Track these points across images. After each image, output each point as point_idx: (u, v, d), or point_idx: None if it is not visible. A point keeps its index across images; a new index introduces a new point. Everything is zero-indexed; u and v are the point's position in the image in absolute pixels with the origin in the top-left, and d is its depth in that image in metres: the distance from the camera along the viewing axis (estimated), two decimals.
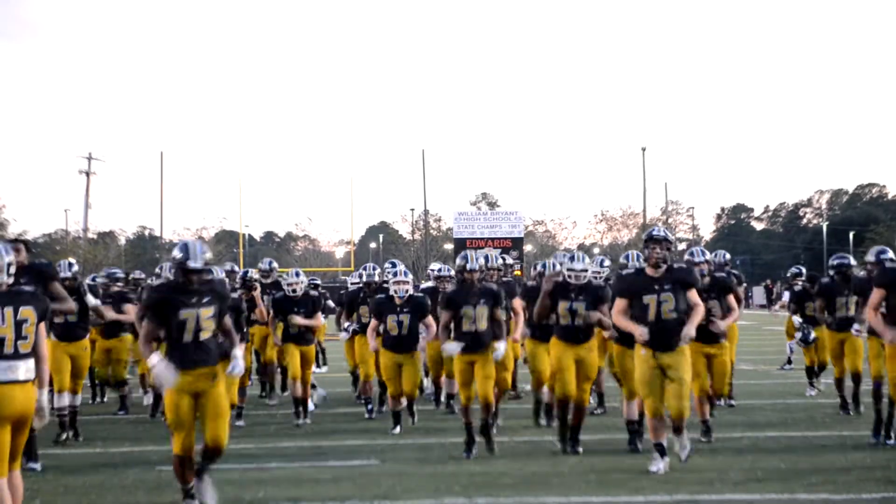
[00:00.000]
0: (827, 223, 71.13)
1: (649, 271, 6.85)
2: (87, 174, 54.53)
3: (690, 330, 6.72)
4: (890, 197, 78.65)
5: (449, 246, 46.52)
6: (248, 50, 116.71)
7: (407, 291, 8.82)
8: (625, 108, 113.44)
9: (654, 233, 6.90)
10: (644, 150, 48.53)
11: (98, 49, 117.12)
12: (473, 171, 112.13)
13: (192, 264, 5.71)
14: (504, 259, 10.88)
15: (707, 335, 7.88)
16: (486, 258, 8.99)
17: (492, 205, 66.56)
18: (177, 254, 5.79)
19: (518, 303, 9.15)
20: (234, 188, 54.04)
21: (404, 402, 9.02)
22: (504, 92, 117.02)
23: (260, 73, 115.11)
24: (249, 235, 60.51)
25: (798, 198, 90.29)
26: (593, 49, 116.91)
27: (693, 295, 6.87)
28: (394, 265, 9.34)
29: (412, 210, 61.61)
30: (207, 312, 5.82)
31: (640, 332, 6.68)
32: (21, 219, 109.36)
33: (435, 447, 8.10)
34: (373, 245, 68.86)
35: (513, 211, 33.75)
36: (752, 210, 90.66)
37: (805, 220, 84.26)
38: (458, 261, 7.95)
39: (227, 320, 6.10)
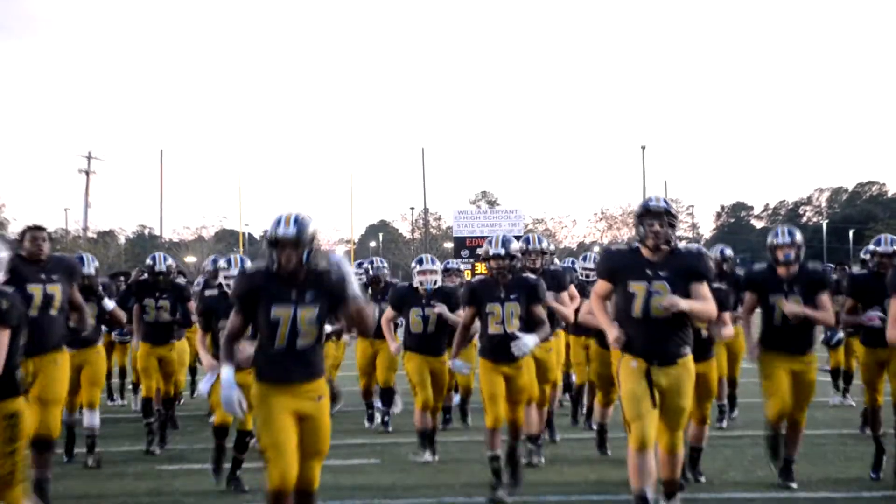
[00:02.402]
0: (827, 221, 71.30)
1: (646, 253, 5.17)
2: (87, 173, 54.65)
3: (682, 302, 4.96)
4: (890, 195, 78.76)
5: (449, 244, 46.55)
6: (248, 49, 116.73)
7: (435, 283, 7.62)
8: (624, 106, 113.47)
9: (651, 204, 5.18)
10: (644, 148, 48.59)
11: (98, 47, 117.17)
12: (473, 170, 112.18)
13: (281, 232, 4.37)
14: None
15: (793, 343, 6.24)
16: (528, 240, 7.24)
17: (491, 203, 66.60)
18: (271, 228, 4.45)
19: (567, 297, 7.38)
20: (234, 187, 54.22)
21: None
22: (504, 90, 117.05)
23: (260, 72, 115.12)
24: (249, 234, 60.43)
25: (798, 196, 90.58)
26: (593, 48, 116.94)
27: (703, 289, 5.11)
28: (421, 262, 7.79)
29: (412, 208, 61.73)
30: (309, 313, 4.42)
31: (615, 335, 5.09)
32: (21, 217, 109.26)
33: (435, 445, 8.09)
34: (373, 244, 68.85)
35: (513, 209, 33.78)
36: (751, 208, 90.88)
37: (805, 219, 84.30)
38: (484, 245, 6.42)
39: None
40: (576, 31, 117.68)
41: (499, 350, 6.14)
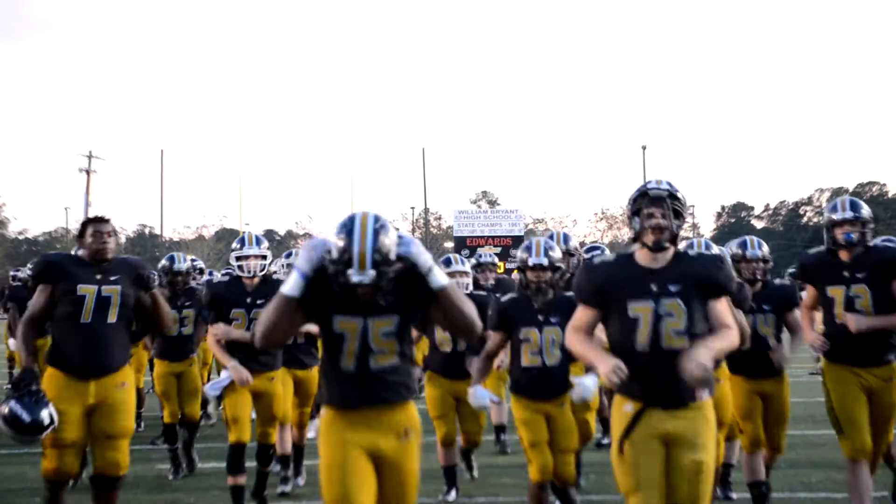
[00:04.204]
0: None
1: (642, 258, 3.73)
2: (88, 172, 54.62)
3: (704, 355, 3.42)
4: (890, 195, 78.85)
5: (449, 244, 46.56)
6: (248, 49, 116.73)
7: (467, 287, 6.44)
8: (625, 106, 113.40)
9: (651, 186, 3.76)
10: (644, 148, 48.51)
11: (99, 47, 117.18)
12: (474, 170, 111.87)
13: (356, 278, 3.23)
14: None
15: (863, 351, 4.95)
16: (566, 237, 6.12)
17: (492, 203, 66.58)
18: (337, 239, 3.28)
19: None
20: (235, 186, 54.26)
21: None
22: (504, 90, 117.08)
23: (260, 71, 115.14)
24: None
25: (798, 196, 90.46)
26: (593, 47, 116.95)
27: (722, 309, 3.70)
28: (449, 263, 6.61)
29: (412, 208, 61.73)
30: (384, 325, 3.39)
31: (611, 366, 3.49)
32: (21, 217, 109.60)
33: (435, 446, 8.09)
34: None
35: (513, 209, 33.72)
36: (752, 208, 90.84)
37: (805, 219, 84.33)
38: (519, 253, 5.19)
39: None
40: (576, 32, 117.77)
41: (537, 385, 5.05)
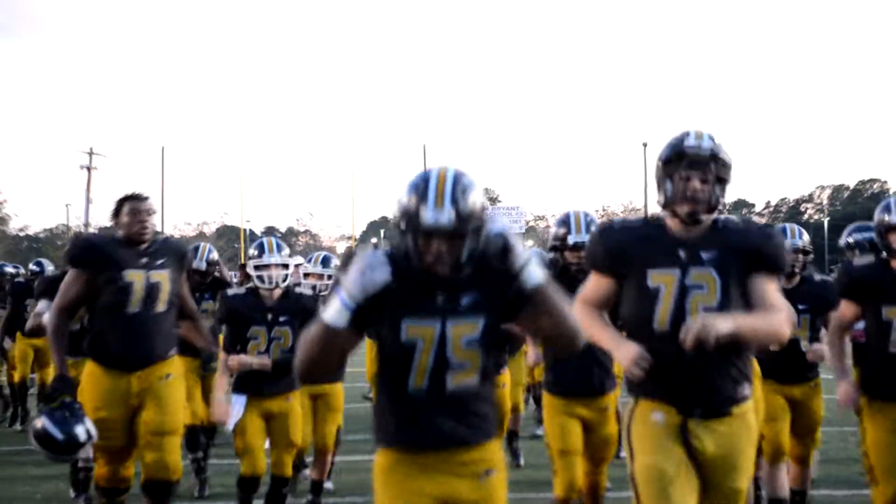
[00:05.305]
0: (828, 219, 71.33)
1: (673, 225, 3.00)
2: (89, 169, 54.66)
3: (722, 321, 2.73)
4: (891, 192, 78.77)
5: None
6: (249, 45, 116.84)
7: None
8: (626, 103, 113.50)
9: (689, 143, 2.94)
10: (645, 145, 48.45)
11: (99, 44, 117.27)
12: (475, 166, 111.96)
13: (432, 217, 2.48)
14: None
15: None
16: (588, 219, 5.32)
17: (493, 200, 66.62)
18: (409, 199, 2.52)
19: None
20: (236, 183, 54.20)
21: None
22: (505, 87, 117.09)
23: (261, 68, 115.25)
24: (251, 230, 60.53)
25: (799, 193, 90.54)
26: (594, 44, 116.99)
27: (769, 289, 2.94)
28: None
29: None
30: (467, 329, 2.58)
31: (632, 356, 2.87)
32: (22, 214, 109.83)
33: None
34: (374, 240, 69.00)
35: (514, 206, 33.82)
36: (752, 206, 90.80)
37: (806, 216, 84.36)
38: (554, 229, 4.56)
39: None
40: (576, 29, 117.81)
41: (578, 380, 4.38)
